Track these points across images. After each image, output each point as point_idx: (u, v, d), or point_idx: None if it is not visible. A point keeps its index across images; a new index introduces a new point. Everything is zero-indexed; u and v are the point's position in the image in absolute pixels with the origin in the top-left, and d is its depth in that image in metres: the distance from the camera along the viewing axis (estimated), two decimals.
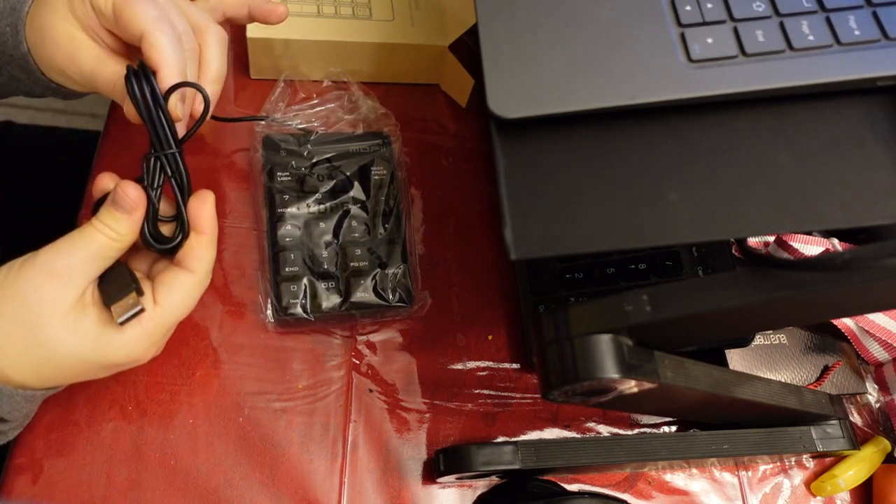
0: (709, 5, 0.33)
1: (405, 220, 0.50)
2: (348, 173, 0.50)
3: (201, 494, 0.42)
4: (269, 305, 0.46)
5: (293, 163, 0.50)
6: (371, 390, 0.47)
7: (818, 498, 0.49)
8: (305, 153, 0.50)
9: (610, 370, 0.31)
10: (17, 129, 0.71)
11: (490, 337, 0.50)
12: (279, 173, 0.49)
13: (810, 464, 0.50)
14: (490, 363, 0.49)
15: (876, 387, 0.52)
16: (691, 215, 0.30)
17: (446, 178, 0.55)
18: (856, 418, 0.51)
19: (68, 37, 0.39)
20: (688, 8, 0.33)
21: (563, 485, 0.45)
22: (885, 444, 0.49)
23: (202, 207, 0.38)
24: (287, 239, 0.47)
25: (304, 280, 0.47)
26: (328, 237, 0.48)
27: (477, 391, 0.48)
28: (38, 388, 0.37)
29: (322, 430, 0.45)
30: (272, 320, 0.46)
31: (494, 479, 0.45)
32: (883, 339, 0.49)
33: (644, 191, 0.31)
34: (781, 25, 0.32)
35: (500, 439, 0.47)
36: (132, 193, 0.37)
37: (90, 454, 0.42)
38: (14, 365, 0.35)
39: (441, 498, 0.45)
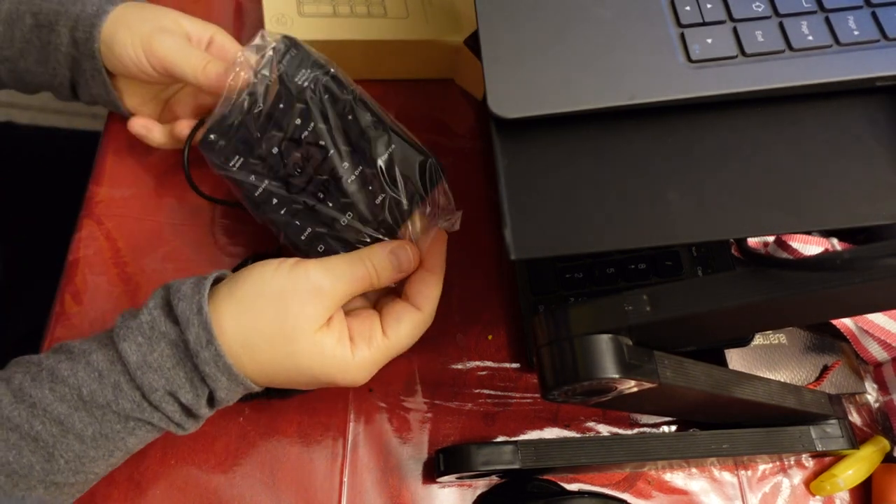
0: (708, 5, 0.33)
1: (364, 96, 0.44)
2: (281, 105, 0.43)
3: (201, 494, 0.42)
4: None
5: (232, 141, 0.44)
6: (371, 390, 0.47)
7: (817, 497, 0.49)
8: (238, 126, 0.44)
9: (610, 370, 0.31)
10: (17, 129, 0.71)
11: (490, 337, 0.50)
12: (230, 163, 0.44)
13: (809, 463, 0.50)
14: (490, 363, 0.49)
15: (875, 386, 0.52)
16: (691, 215, 0.30)
17: (446, 177, 0.55)
18: (855, 418, 0.51)
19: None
20: (687, 8, 0.33)
21: (563, 484, 0.45)
22: (884, 443, 0.49)
23: (436, 246, 0.41)
24: (282, 212, 0.43)
25: (326, 236, 0.42)
26: (316, 177, 0.42)
27: (477, 391, 0.48)
28: (262, 384, 0.39)
29: (322, 430, 0.45)
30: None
31: (494, 479, 0.45)
32: (882, 339, 0.50)
33: (644, 191, 0.31)
34: (781, 26, 0.32)
35: (500, 439, 0.47)
36: (411, 257, 0.41)
37: None
38: (257, 363, 0.37)
39: (441, 498, 0.45)
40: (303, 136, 0.42)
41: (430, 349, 0.49)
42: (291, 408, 0.45)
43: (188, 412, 0.37)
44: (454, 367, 0.49)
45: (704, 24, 0.33)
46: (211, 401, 0.37)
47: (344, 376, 0.38)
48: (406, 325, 0.40)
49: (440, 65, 0.58)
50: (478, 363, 0.49)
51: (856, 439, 0.47)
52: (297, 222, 0.42)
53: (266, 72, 0.43)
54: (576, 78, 0.32)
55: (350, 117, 0.42)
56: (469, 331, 0.50)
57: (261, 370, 0.37)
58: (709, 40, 0.32)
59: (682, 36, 0.32)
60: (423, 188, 0.42)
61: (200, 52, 0.45)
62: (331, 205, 0.42)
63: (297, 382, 0.39)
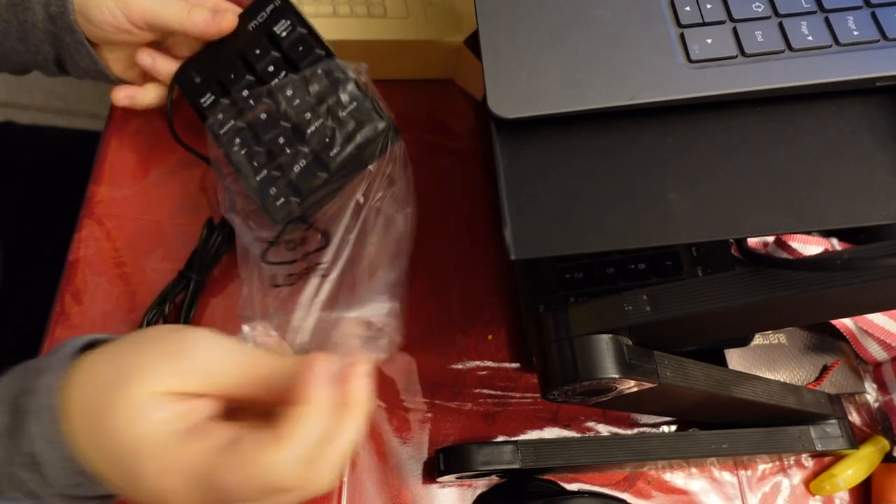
0: (708, 6, 0.33)
1: (336, 58, 0.45)
2: (257, 51, 0.46)
3: None
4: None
5: (212, 81, 0.47)
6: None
7: (817, 497, 0.49)
8: (216, 62, 0.47)
9: (610, 370, 0.31)
10: (17, 130, 0.71)
11: (490, 337, 0.50)
12: (202, 99, 0.47)
13: (809, 463, 0.50)
14: (490, 363, 0.49)
15: (874, 386, 0.52)
16: (691, 215, 0.30)
17: (446, 178, 0.55)
18: (854, 418, 0.51)
19: None
20: (687, 8, 0.33)
21: (563, 484, 0.45)
22: (884, 443, 0.49)
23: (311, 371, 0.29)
24: (243, 152, 0.45)
25: (280, 181, 0.43)
26: (279, 122, 0.44)
27: (477, 391, 0.48)
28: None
29: None
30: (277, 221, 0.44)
31: (494, 479, 0.45)
32: (881, 338, 0.50)
33: (644, 191, 0.31)
34: (781, 26, 0.32)
35: (500, 439, 0.47)
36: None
37: None
38: (91, 446, 0.29)
39: (441, 498, 0.45)
40: (273, 83, 0.45)
41: (430, 349, 0.49)
42: None
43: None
44: (454, 367, 0.49)
45: (704, 24, 0.33)
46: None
47: (151, 473, 0.28)
48: (243, 459, 0.27)
49: (440, 65, 0.58)
50: (478, 363, 0.49)
51: (855, 439, 0.47)
52: (255, 163, 0.44)
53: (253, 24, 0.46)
54: (576, 78, 0.32)
55: (320, 71, 0.45)
56: (469, 331, 0.50)
57: (101, 451, 0.28)
58: (709, 40, 0.32)
59: (682, 36, 0.33)
60: (369, 151, 0.44)
61: (181, 0, 0.44)
62: (289, 151, 0.44)
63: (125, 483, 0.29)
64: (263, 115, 0.45)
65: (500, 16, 0.34)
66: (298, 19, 0.46)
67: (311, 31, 0.46)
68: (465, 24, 0.56)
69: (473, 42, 0.55)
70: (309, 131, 0.44)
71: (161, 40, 0.48)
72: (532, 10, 0.34)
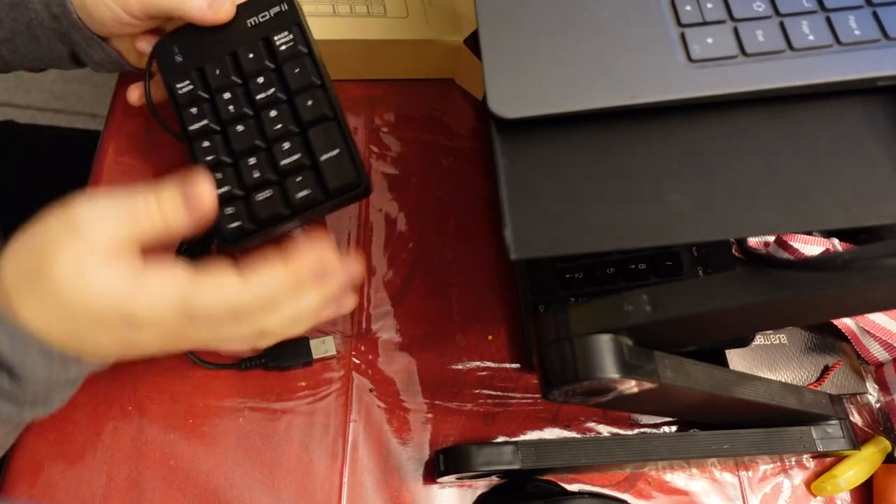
0: (709, 5, 0.33)
1: (334, 94, 0.43)
2: (251, 55, 0.43)
3: (201, 494, 0.42)
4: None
5: (192, 64, 0.44)
6: (371, 390, 0.47)
7: (818, 498, 0.48)
8: (201, 45, 0.44)
9: (610, 370, 0.31)
10: (17, 129, 0.71)
11: (490, 337, 0.50)
12: (179, 84, 0.43)
13: (810, 464, 0.50)
14: (490, 363, 0.49)
15: (876, 387, 0.52)
16: (691, 215, 0.30)
17: (446, 178, 0.55)
18: (856, 418, 0.51)
19: None
20: (688, 8, 0.33)
21: (563, 485, 0.45)
22: (886, 444, 0.49)
23: (311, 250, 0.36)
24: (208, 158, 0.42)
25: (240, 202, 0.42)
26: (251, 141, 0.42)
27: (477, 391, 0.48)
28: (62, 348, 0.34)
29: (322, 430, 0.45)
30: (223, 244, 0.42)
31: (494, 479, 0.45)
32: (883, 339, 0.49)
33: (644, 191, 0.31)
34: (781, 25, 0.32)
35: (500, 439, 0.47)
36: (206, 192, 0.35)
37: (90, 454, 0.42)
38: (31, 312, 0.32)
39: (441, 498, 0.45)
40: (258, 98, 0.43)
41: (430, 349, 0.49)
42: (291, 408, 0.45)
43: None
44: (454, 367, 0.49)
45: (705, 23, 0.33)
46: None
47: (126, 307, 0.33)
48: (216, 283, 0.34)
49: (440, 65, 0.58)
50: (478, 363, 0.49)
51: (857, 440, 0.47)
52: (219, 175, 0.42)
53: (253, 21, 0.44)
54: (576, 78, 0.32)
55: (310, 103, 0.42)
56: (469, 331, 0.50)
57: (52, 327, 0.32)
58: (709, 40, 0.32)
59: (683, 36, 0.32)
60: (339, 201, 0.42)
61: None
62: (256, 175, 0.42)
63: (90, 332, 0.33)
64: (240, 128, 0.42)
65: (500, 16, 0.34)
66: (302, 35, 0.43)
67: (311, 53, 0.43)
68: (465, 24, 0.56)
69: (473, 42, 0.55)
70: (283, 162, 0.42)
71: (163, 25, 0.47)
72: (532, 10, 0.34)
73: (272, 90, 0.43)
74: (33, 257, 0.33)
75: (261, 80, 0.43)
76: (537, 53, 0.32)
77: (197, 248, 0.46)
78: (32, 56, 0.46)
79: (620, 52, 0.32)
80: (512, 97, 0.31)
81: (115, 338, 0.34)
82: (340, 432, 0.45)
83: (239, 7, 0.44)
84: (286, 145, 0.42)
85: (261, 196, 0.41)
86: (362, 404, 0.46)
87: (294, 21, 0.43)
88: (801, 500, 0.48)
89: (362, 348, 0.48)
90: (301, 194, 0.41)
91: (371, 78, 0.57)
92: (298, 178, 0.42)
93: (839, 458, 0.49)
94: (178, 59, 0.44)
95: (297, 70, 0.43)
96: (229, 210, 0.41)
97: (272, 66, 0.43)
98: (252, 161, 0.42)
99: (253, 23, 0.44)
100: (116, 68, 0.48)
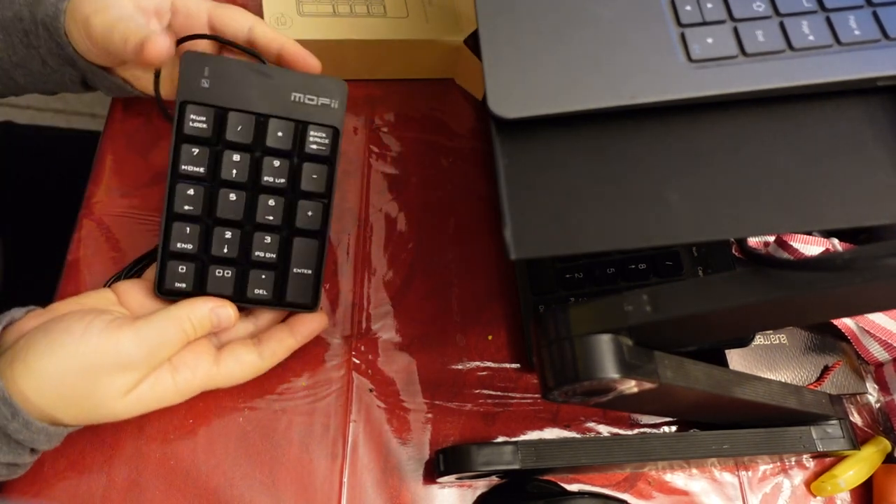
0: (709, 5, 0.33)
1: (332, 211, 0.43)
2: (279, 133, 0.41)
3: (201, 494, 0.42)
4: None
5: (216, 100, 0.40)
6: (371, 390, 0.47)
7: (818, 498, 0.48)
8: (235, 87, 0.40)
9: (610, 370, 0.31)
10: (17, 129, 0.71)
11: (490, 337, 0.50)
12: (193, 115, 0.40)
13: (810, 464, 0.50)
14: (490, 363, 0.49)
15: (876, 387, 0.52)
16: (691, 215, 0.30)
17: (446, 178, 0.55)
18: (856, 418, 0.51)
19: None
20: (688, 8, 0.33)
21: (563, 485, 0.45)
22: (885, 444, 0.49)
23: (308, 322, 0.44)
24: (186, 207, 0.40)
25: (195, 264, 0.41)
26: (236, 215, 0.41)
27: (477, 391, 0.48)
28: (78, 426, 0.39)
29: (322, 430, 0.45)
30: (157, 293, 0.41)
31: (494, 479, 0.45)
32: (883, 339, 0.49)
33: (644, 191, 0.31)
34: (781, 25, 0.32)
35: (500, 439, 0.47)
36: (232, 315, 0.41)
37: (90, 454, 0.42)
38: (69, 418, 0.37)
39: (441, 498, 0.45)
40: (264, 179, 0.41)
41: (430, 349, 0.49)
42: (291, 408, 0.45)
43: (11, 466, 0.37)
44: (454, 367, 0.49)
45: (705, 23, 0.33)
46: (34, 451, 0.38)
47: (166, 403, 0.40)
48: (240, 365, 0.41)
49: (440, 65, 0.58)
50: (478, 363, 0.49)
51: (857, 440, 0.47)
52: (186, 228, 0.40)
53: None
54: (576, 78, 0.32)
55: (310, 213, 0.42)
56: (469, 331, 0.50)
57: (79, 420, 0.38)
58: (709, 40, 0.32)
59: (683, 36, 0.32)
60: (283, 309, 0.44)
61: (138, 26, 0.39)
62: (225, 251, 0.41)
63: (130, 416, 0.39)
64: (233, 197, 0.40)
65: (500, 16, 0.34)
66: (334, 142, 0.42)
67: (334, 164, 0.42)
68: (465, 24, 0.56)
69: (473, 42, 0.55)
70: (257, 253, 0.41)
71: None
72: (532, 10, 0.34)
73: (283, 180, 0.41)
74: (85, 389, 0.36)
75: (277, 163, 0.41)
76: (537, 53, 0.32)
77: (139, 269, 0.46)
78: (45, 80, 0.47)
79: (620, 52, 0.32)
80: (512, 97, 0.31)
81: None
82: (340, 432, 0.45)
83: (294, 74, 0.41)
84: (267, 239, 0.41)
85: (219, 272, 0.41)
86: (362, 404, 0.46)
87: (335, 123, 0.42)
88: (801, 500, 0.48)
89: (362, 348, 0.48)
90: (257, 291, 0.41)
91: (371, 78, 0.57)
92: (262, 275, 0.41)
93: (839, 458, 0.49)
94: (205, 84, 0.40)
95: (314, 175, 0.41)
96: (182, 268, 0.40)
97: (294, 156, 0.41)
98: (227, 235, 0.41)
99: (297, 99, 0.41)
100: (126, 93, 0.48)
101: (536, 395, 0.49)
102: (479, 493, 0.45)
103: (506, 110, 0.31)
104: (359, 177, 0.54)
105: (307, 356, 0.47)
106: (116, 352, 0.36)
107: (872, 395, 0.52)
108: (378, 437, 0.46)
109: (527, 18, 0.33)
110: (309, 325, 0.44)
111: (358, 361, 0.47)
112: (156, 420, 0.43)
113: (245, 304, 0.42)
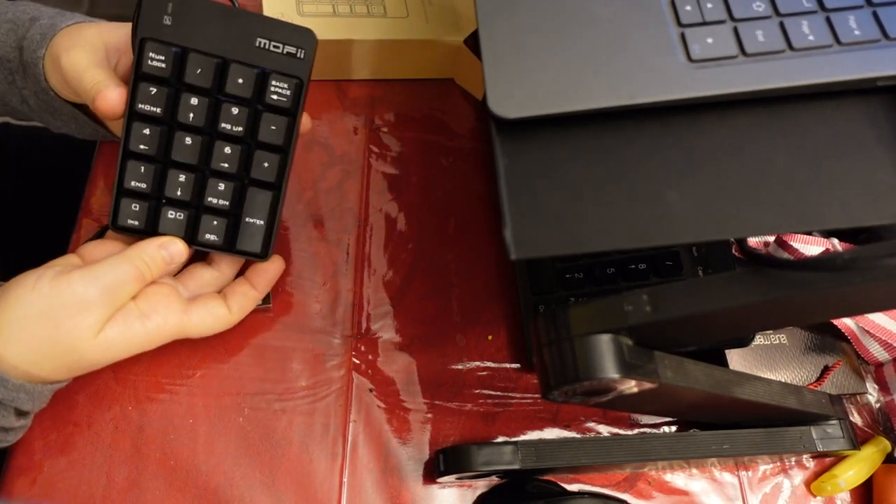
0: (709, 5, 0.33)
1: (290, 164, 0.42)
2: (240, 80, 0.39)
3: (201, 494, 0.42)
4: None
5: (177, 39, 0.38)
6: (371, 390, 0.47)
7: (818, 498, 0.48)
8: (198, 28, 0.39)
9: (610, 370, 0.31)
10: (14, 131, 0.71)
11: (490, 337, 0.50)
12: (152, 53, 0.38)
13: (810, 464, 0.50)
14: (490, 363, 0.49)
15: (876, 387, 0.52)
16: (691, 215, 0.30)
17: (446, 178, 0.55)
18: (856, 418, 0.51)
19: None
20: (688, 8, 0.33)
21: (563, 485, 0.45)
22: (886, 444, 0.49)
23: (266, 272, 0.45)
24: (142, 146, 0.39)
25: (148, 204, 0.41)
26: (192, 159, 0.40)
27: (477, 391, 0.48)
28: (68, 379, 0.40)
29: (322, 430, 0.45)
30: (111, 228, 0.42)
31: (494, 479, 0.45)
32: (883, 339, 0.49)
33: (644, 191, 0.31)
34: (781, 25, 0.32)
35: (500, 439, 0.47)
36: (182, 249, 0.41)
37: (90, 454, 0.42)
38: (52, 369, 0.37)
39: (441, 498, 0.45)
40: (221, 125, 0.40)
41: (430, 349, 0.49)
42: (291, 408, 0.45)
43: (1, 430, 0.38)
44: (454, 367, 0.49)
45: (705, 23, 0.33)
46: (20, 412, 0.38)
47: (140, 348, 0.40)
48: (209, 315, 0.42)
49: (440, 65, 0.58)
50: (478, 363, 0.49)
51: (857, 440, 0.47)
52: (141, 168, 0.40)
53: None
54: (576, 78, 0.32)
55: (266, 164, 0.41)
56: (469, 331, 0.50)
57: (59, 373, 0.38)
58: (709, 40, 0.32)
59: (683, 36, 0.32)
60: (235, 255, 0.43)
61: (98, 71, 0.40)
62: (178, 193, 0.41)
63: (107, 362, 0.39)
64: (188, 140, 0.40)
65: (500, 16, 0.34)
66: (297, 94, 0.40)
67: (295, 116, 0.41)
68: (465, 24, 0.56)
69: (473, 42, 0.55)
70: (210, 199, 0.41)
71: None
72: (532, 10, 0.34)
73: (240, 128, 0.40)
74: (56, 338, 0.36)
75: (235, 110, 0.40)
76: (537, 53, 0.32)
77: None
78: (21, 116, 0.48)
79: (620, 52, 0.32)
80: (512, 97, 0.31)
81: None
82: (340, 432, 0.45)
83: (261, 18, 0.40)
84: (221, 186, 0.41)
85: (171, 214, 0.41)
86: (362, 404, 0.46)
87: (300, 75, 0.40)
88: (800, 500, 0.48)
89: (362, 348, 0.48)
90: (208, 236, 0.42)
91: (371, 78, 0.58)
92: (214, 221, 0.42)
93: (839, 458, 0.49)
94: (167, 21, 0.38)
95: (273, 126, 0.40)
96: (135, 206, 0.41)
97: (254, 104, 0.40)
98: (182, 178, 0.41)
99: (262, 45, 0.39)
100: (104, 138, 0.50)
101: (536, 395, 0.49)
102: (479, 493, 0.45)
103: (506, 110, 0.31)
104: (359, 177, 0.54)
105: (307, 356, 0.47)
106: (70, 292, 0.36)
107: (872, 395, 0.52)
108: (378, 437, 0.46)
109: (527, 18, 0.33)
110: (265, 275, 0.44)
111: (358, 361, 0.47)
112: (156, 420, 0.43)
113: (196, 248, 0.43)
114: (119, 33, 0.42)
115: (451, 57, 0.57)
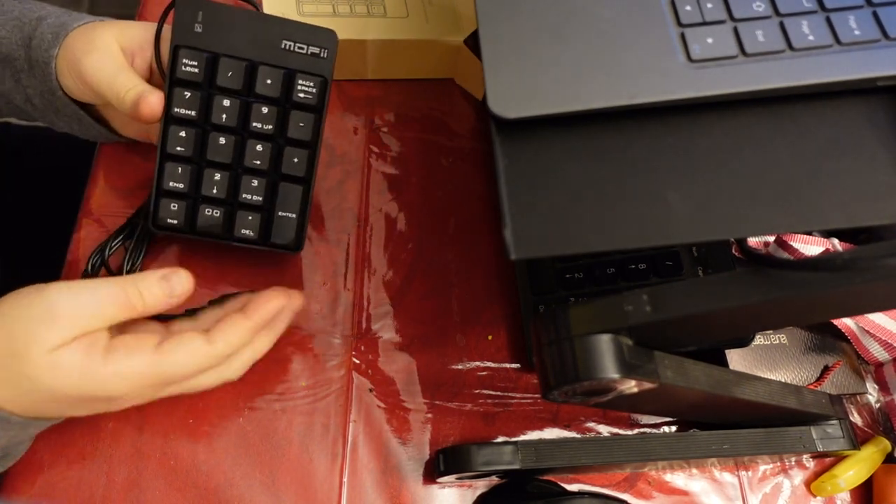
0: (709, 5, 0.33)
1: (318, 158, 0.44)
2: (269, 81, 0.42)
3: (201, 494, 0.42)
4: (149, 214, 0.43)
5: (209, 45, 0.41)
6: (371, 390, 0.47)
7: (818, 498, 0.48)
8: (227, 33, 0.41)
9: (610, 370, 0.31)
10: (15, 131, 0.71)
11: (490, 337, 0.50)
12: (186, 59, 0.41)
13: (810, 464, 0.50)
14: (490, 363, 0.49)
15: (876, 387, 0.52)
16: (691, 215, 0.30)
17: (446, 178, 0.55)
18: (856, 418, 0.51)
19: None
20: (688, 8, 0.33)
21: (563, 485, 0.45)
22: (885, 444, 0.49)
23: (265, 301, 0.39)
24: (178, 148, 0.42)
25: (186, 203, 0.43)
26: (226, 158, 0.42)
27: (477, 391, 0.48)
28: (25, 417, 0.35)
29: (322, 430, 0.45)
30: (151, 227, 0.43)
31: (494, 479, 0.45)
32: (883, 339, 0.49)
33: (644, 191, 0.31)
34: (781, 25, 0.32)
35: (500, 439, 0.47)
36: (185, 283, 0.38)
37: (90, 454, 0.42)
38: (9, 397, 0.34)
39: (441, 498, 0.45)
40: (253, 125, 0.42)
41: (430, 349, 0.49)
42: (291, 408, 0.45)
43: None
44: (454, 367, 0.49)
45: (705, 23, 0.33)
46: None
47: (100, 389, 0.34)
48: (185, 350, 0.36)
49: (440, 65, 0.58)
50: (478, 363, 0.49)
51: (857, 440, 0.47)
52: (179, 168, 0.42)
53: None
54: (576, 78, 0.32)
55: (296, 159, 0.43)
56: (469, 331, 0.50)
57: (12, 398, 0.34)
58: (709, 40, 0.32)
59: (683, 36, 0.32)
60: (269, 249, 0.44)
61: (129, 76, 0.41)
62: (214, 191, 0.43)
63: (63, 408, 0.35)
64: (222, 140, 0.42)
65: (500, 15, 0.34)
66: (323, 91, 0.42)
67: (321, 112, 0.43)
68: (465, 24, 0.56)
69: (473, 42, 0.55)
70: (244, 196, 0.43)
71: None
72: (532, 10, 0.34)
73: (270, 127, 0.43)
74: (6, 341, 0.33)
75: (265, 109, 0.42)
76: (537, 53, 0.32)
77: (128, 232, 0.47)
78: (24, 116, 0.48)
79: (620, 52, 0.32)
80: (512, 97, 0.31)
81: (92, 409, 0.37)
82: (340, 432, 0.45)
83: (285, 21, 0.42)
84: (254, 182, 0.43)
85: (208, 211, 0.43)
86: (362, 404, 0.46)
87: (324, 73, 0.43)
88: (800, 500, 0.48)
89: (362, 348, 0.48)
90: (243, 231, 0.43)
91: (371, 78, 0.58)
92: (249, 217, 0.44)
93: (839, 458, 0.49)
94: (198, 28, 0.41)
95: (301, 123, 0.43)
96: (174, 206, 0.43)
97: (282, 103, 0.43)
98: (217, 176, 0.43)
99: (287, 47, 0.42)
100: (110, 139, 0.50)
101: (536, 395, 0.49)
102: (479, 493, 0.45)
103: (506, 110, 0.31)
104: (359, 177, 0.54)
105: (307, 356, 0.47)
106: (41, 300, 0.33)
107: (872, 395, 0.52)
108: (378, 437, 0.46)
109: (527, 18, 0.33)
110: (265, 304, 0.39)
111: (358, 361, 0.47)
112: (156, 420, 0.43)
113: (232, 243, 0.44)
114: (131, 33, 0.43)
115: (451, 57, 0.57)
